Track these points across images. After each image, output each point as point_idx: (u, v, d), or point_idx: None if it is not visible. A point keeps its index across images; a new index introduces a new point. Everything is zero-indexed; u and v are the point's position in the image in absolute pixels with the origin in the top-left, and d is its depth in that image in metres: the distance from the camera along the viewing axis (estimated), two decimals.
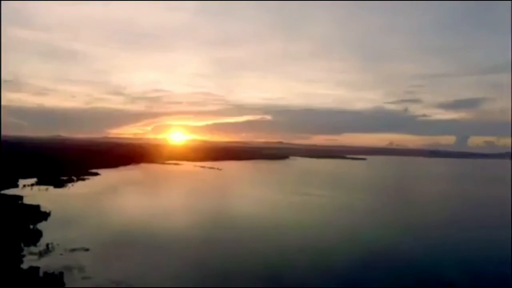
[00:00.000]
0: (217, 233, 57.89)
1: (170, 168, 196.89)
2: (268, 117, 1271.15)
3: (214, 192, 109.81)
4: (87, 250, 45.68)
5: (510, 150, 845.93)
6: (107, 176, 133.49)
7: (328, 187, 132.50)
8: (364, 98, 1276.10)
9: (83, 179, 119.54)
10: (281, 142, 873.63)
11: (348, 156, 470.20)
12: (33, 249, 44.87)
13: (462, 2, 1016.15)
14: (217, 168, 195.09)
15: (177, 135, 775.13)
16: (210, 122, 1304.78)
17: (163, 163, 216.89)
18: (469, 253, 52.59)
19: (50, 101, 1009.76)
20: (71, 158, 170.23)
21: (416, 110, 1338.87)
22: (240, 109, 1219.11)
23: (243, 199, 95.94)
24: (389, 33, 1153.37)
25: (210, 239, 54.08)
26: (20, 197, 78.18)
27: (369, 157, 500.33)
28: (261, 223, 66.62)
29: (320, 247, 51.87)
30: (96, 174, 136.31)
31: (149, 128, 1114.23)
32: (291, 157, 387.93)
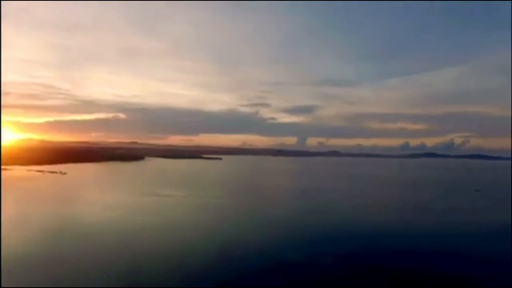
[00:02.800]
0: (58, 245, 51.88)
1: None
2: (121, 116, 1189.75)
3: (55, 200, 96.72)
4: None
5: (336, 149, 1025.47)
6: None
7: (184, 186, 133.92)
8: (219, 100, 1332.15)
9: None
10: (135, 142, 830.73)
11: (205, 156, 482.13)
12: None
13: (307, 21, 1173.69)
14: (60, 172, 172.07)
15: (4, 133, 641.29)
16: (51, 118, 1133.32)
17: None
18: (314, 237, 62.05)
19: None
20: None
21: (265, 113, 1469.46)
22: (89, 105, 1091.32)
23: (89, 205, 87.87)
24: (243, 41, 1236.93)
25: (50, 252, 48.13)
26: None
27: (225, 157, 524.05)
28: (110, 228, 62.94)
29: (173, 248, 52.47)
30: None
31: None
32: (147, 158, 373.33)
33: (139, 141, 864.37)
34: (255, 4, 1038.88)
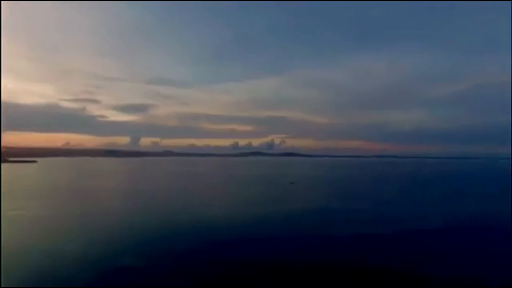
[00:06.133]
0: None
1: None
2: None
3: None
4: None
5: (170, 149, 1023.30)
6: None
7: None
8: (34, 92, 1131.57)
9: None
10: None
11: (12, 159, 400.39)
12: None
13: (140, 18, 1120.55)
14: None
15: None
16: None
17: None
18: (147, 238, 58.88)
19: None
20: None
21: (94, 110, 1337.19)
22: None
23: None
24: (67, 28, 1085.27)
25: None
26: None
27: (42, 160, 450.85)
28: None
29: None
30: None
31: None
32: None
33: None
34: None
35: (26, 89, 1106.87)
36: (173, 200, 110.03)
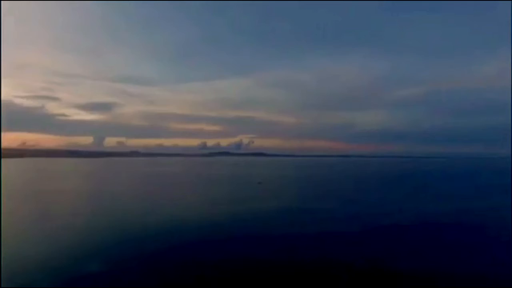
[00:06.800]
0: None
1: None
2: None
3: None
4: None
5: (137, 149, 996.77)
6: None
7: None
8: None
9: None
10: None
11: None
12: None
13: (103, 14, 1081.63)
14: None
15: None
16: None
17: None
18: (109, 241, 55.94)
19: None
20: None
21: (53, 108, 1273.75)
22: None
23: None
24: (23, 23, 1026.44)
25: None
26: None
27: None
28: None
29: None
30: None
31: None
32: None
33: None
34: None
35: None
36: (139, 201, 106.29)
